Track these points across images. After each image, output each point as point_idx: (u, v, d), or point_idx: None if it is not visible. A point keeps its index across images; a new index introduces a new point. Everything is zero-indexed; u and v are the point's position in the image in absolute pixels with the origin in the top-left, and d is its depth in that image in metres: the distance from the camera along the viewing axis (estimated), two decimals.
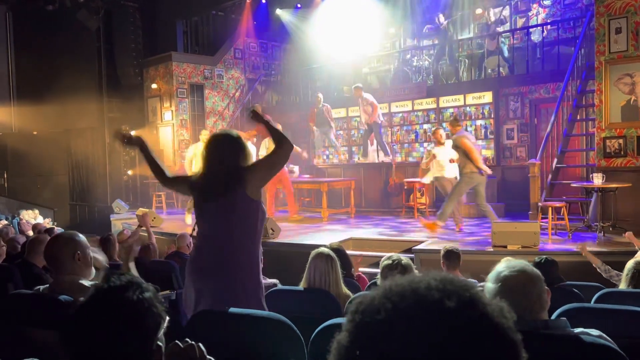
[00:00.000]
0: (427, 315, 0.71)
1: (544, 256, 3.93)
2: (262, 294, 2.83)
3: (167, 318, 1.34)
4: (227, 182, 2.71)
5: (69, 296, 2.35)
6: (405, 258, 3.36)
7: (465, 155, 7.03)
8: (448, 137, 8.14)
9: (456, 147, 7.11)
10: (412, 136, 12.01)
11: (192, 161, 9.03)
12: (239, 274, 2.72)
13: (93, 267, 2.66)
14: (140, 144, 3.07)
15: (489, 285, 1.87)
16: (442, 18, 12.00)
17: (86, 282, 2.53)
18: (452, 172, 7.88)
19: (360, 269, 5.38)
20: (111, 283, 1.31)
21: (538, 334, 1.76)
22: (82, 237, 2.64)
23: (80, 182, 15.07)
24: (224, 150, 2.79)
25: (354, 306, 0.77)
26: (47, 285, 2.62)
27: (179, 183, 3.05)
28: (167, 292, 4.17)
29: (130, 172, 14.47)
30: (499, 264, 1.94)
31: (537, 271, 1.90)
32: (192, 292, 2.76)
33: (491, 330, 0.72)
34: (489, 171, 7.25)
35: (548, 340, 1.77)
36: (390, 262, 3.30)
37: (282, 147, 2.78)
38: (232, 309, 2.22)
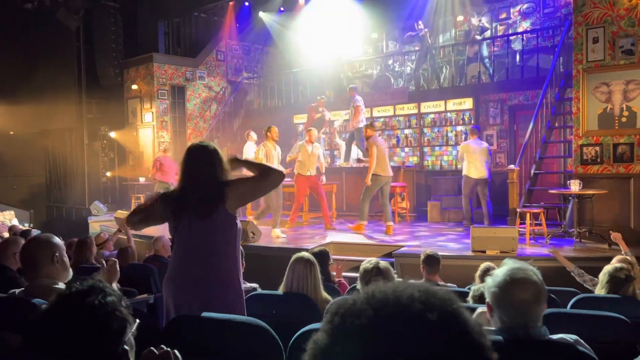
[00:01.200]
0: (408, 326, 0.71)
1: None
2: (243, 305, 2.82)
3: (138, 321, 1.34)
4: (207, 199, 2.70)
5: (44, 300, 2.31)
6: (383, 262, 3.37)
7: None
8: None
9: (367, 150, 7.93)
10: (394, 141, 12.07)
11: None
12: (221, 288, 2.71)
13: (70, 270, 2.62)
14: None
15: (493, 289, 1.78)
16: (421, 25, 12.08)
17: (63, 286, 2.48)
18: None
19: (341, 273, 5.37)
20: (73, 288, 1.32)
21: (528, 342, 1.76)
22: (58, 239, 2.60)
23: (58, 183, 14.85)
24: (202, 163, 2.76)
25: (334, 307, 0.77)
26: (22, 288, 2.57)
27: (154, 212, 2.84)
28: (145, 295, 4.12)
29: (109, 174, 14.31)
30: (505, 266, 1.80)
31: (543, 281, 1.79)
32: (172, 308, 2.73)
33: (470, 347, 0.72)
34: (368, 183, 8.00)
35: (532, 347, 1.78)
36: (368, 265, 3.31)
37: (269, 177, 2.82)
38: (210, 314, 2.20)
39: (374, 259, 3.43)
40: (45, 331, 1.25)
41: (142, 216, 2.90)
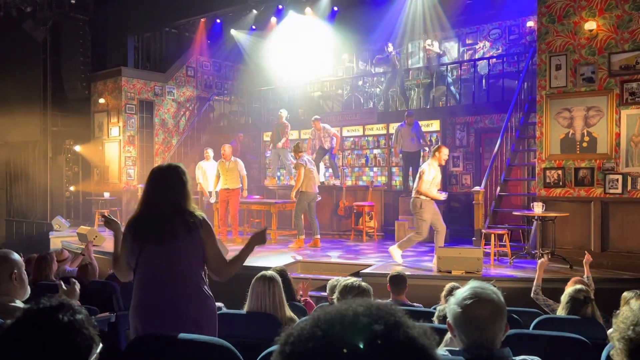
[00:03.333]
0: (357, 340, 0.73)
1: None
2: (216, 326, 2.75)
3: (101, 345, 1.30)
4: (178, 226, 2.61)
5: (0, 318, 2.23)
6: (364, 283, 3.39)
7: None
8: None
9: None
10: (363, 160, 12.17)
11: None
12: (196, 312, 2.64)
13: (28, 287, 2.55)
14: (115, 230, 2.84)
15: (452, 307, 1.79)
16: (390, 47, 12.29)
17: (20, 304, 2.41)
18: None
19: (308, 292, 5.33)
20: (41, 304, 1.27)
21: None
22: (17, 255, 2.53)
23: (19, 197, 14.43)
24: (167, 187, 2.69)
25: (283, 338, 0.78)
26: None
27: (132, 252, 2.67)
28: (107, 314, 4.01)
29: (72, 188, 13.99)
30: (467, 285, 1.82)
31: (503, 301, 1.80)
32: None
33: (417, 351, 0.75)
34: (293, 197, 9.00)
35: None
36: (350, 283, 3.32)
37: (224, 274, 2.83)
38: (173, 334, 2.16)
39: (353, 278, 3.45)
40: (10, 348, 1.20)
41: (125, 264, 2.72)
